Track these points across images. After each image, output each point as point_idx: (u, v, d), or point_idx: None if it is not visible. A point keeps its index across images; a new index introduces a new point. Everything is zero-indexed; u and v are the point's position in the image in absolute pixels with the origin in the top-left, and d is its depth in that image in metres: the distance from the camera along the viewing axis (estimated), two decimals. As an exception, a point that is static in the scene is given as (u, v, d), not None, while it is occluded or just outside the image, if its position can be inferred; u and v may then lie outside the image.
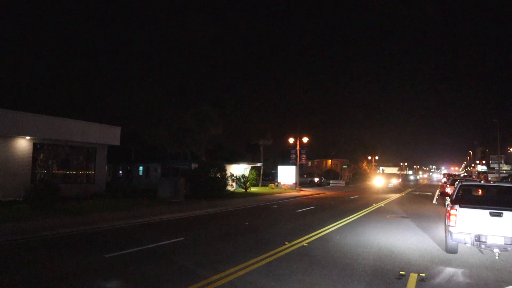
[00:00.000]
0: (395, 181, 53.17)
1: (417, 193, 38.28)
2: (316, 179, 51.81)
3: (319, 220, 15.52)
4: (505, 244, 8.32)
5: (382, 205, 22.88)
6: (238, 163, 37.35)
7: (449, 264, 8.57)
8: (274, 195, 30.83)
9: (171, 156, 43.46)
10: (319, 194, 34.26)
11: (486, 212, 8.62)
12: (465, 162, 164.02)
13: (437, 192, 38.72)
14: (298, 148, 36.79)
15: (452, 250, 9.37)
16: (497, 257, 8.83)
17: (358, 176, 72.35)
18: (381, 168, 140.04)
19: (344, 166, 66.16)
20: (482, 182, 12.37)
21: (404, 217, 16.85)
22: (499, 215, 8.45)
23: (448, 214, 9.26)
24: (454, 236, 8.91)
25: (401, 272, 7.66)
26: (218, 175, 28.62)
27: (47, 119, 21.41)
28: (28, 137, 20.55)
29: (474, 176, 74.92)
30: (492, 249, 8.65)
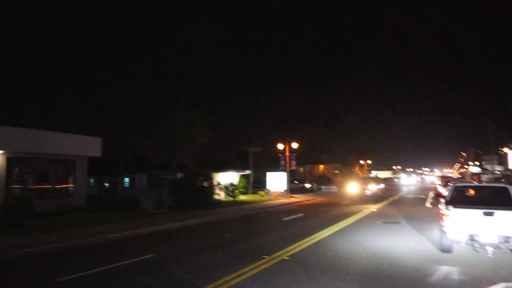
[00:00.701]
0: (374, 187, 44.66)
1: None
2: (308, 185, 51.00)
3: (306, 228, 14.72)
4: (498, 242, 8.61)
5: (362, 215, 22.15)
6: (226, 171, 36.45)
7: (444, 263, 8.75)
8: (263, 202, 29.99)
9: (158, 166, 42.54)
10: (309, 200, 33.46)
11: (479, 212, 8.87)
12: (458, 164, 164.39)
13: (430, 195, 38.10)
14: (287, 154, 36.01)
15: (446, 250, 9.63)
16: (490, 255, 8.99)
17: (351, 181, 71.62)
18: (374, 172, 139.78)
19: (335, 171, 65.27)
20: (475, 183, 12.11)
21: (396, 222, 16.11)
22: (491, 214, 8.73)
23: (442, 215, 9.60)
24: (449, 236, 9.16)
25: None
26: (205, 184, 27.82)
27: (22, 132, 20.44)
28: (1, 151, 19.59)
29: (467, 178, 74.57)
30: (485, 248, 8.93)
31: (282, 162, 36.49)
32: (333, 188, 53.50)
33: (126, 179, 37.63)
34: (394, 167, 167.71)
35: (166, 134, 29.83)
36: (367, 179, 54.46)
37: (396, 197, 35.28)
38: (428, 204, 26.15)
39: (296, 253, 9.98)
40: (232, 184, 32.98)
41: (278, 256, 9.55)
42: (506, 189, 10.14)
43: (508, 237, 8.52)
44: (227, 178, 36.02)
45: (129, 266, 9.08)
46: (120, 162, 57.02)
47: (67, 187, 23.17)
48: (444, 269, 8.31)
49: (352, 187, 47.18)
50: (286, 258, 9.40)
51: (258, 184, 47.83)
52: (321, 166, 72.78)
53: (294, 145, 35.83)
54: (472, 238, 8.85)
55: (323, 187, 53.08)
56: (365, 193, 42.85)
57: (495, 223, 8.69)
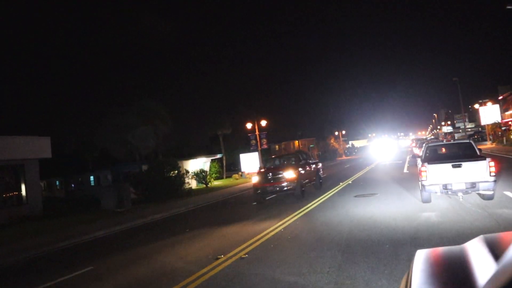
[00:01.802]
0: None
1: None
2: (284, 163, 49.80)
3: (282, 210, 13.36)
4: (466, 188, 10.12)
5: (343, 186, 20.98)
6: (196, 158, 34.79)
7: (424, 210, 10.32)
8: (236, 186, 28.58)
9: (125, 160, 40.54)
10: (285, 178, 32.19)
11: (449, 165, 10.33)
12: (430, 126, 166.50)
13: (407, 159, 37.44)
14: (257, 133, 34.50)
15: (426, 200, 11.15)
16: (461, 199, 11.05)
17: (327, 153, 70.94)
18: (350, 142, 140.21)
19: (310, 145, 64.16)
20: (444, 141, 14.74)
21: (373, 194, 14.90)
22: (460, 166, 10.21)
23: (420, 171, 10.93)
24: (427, 187, 10.61)
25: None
26: (171, 173, 26.20)
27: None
28: None
29: (441, 138, 75.00)
30: (457, 194, 10.63)
31: (253, 142, 35.00)
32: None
33: (92, 177, 35.61)
34: (369, 135, 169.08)
35: (126, 126, 27.87)
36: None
37: (372, 165, 34.39)
38: (405, 170, 25.21)
39: (257, 248, 8.55)
40: (202, 171, 31.42)
41: (235, 254, 8.06)
42: (470, 144, 12.13)
43: (474, 183, 10.01)
44: (197, 164, 34.43)
45: (60, 285, 7.51)
46: (88, 160, 54.52)
47: (18, 195, 21.15)
48: (425, 214, 9.75)
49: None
50: (244, 256, 7.88)
51: (235, 167, 46.41)
52: (296, 142, 71.69)
53: (263, 123, 34.29)
54: (445, 187, 10.33)
55: (299, 163, 51.94)
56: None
57: (462, 173, 10.17)
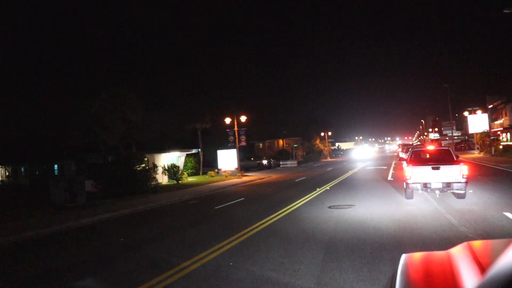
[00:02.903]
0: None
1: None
2: (265, 161, 47.68)
3: (234, 222, 11.29)
4: (442, 187, 12.02)
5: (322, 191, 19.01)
6: (169, 151, 32.49)
7: (407, 205, 12.05)
8: (208, 185, 26.45)
9: (91, 149, 37.91)
10: (263, 178, 30.16)
11: (429, 168, 12.22)
12: (418, 131, 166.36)
13: (393, 164, 35.76)
14: (236, 128, 32.32)
15: (409, 197, 12.99)
16: (437, 196, 12.97)
17: (311, 154, 69.06)
18: (337, 144, 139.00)
19: (295, 145, 61.99)
20: (428, 147, 16.45)
21: (351, 206, 12.91)
22: (438, 168, 12.08)
23: (405, 171, 12.75)
24: (410, 185, 12.42)
25: None
26: (137, 167, 23.99)
27: None
28: None
29: (427, 143, 73.90)
30: (434, 192, 12.38)
31: (231, 138, 32.82)
32: (293, 163, 50.52)
33: (56, 166, 33.15)
34: (356, 138, 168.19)
35: (90, 113, 25.46)
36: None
37: (356, 170, 32.57)
38: (390, 177, 23.36)
39: (194, 271, 6.47)
40: (174, 166, 29.17)
41: (167, 278, 6.00)
42: (449, 151, 13.99)
43: (449, 183, 11.88)
44: (171, 159, 32.18)
45: None
46: (64, 146, 51.82)
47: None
48: (406, 208, 11.51)
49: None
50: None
51: (213, 163, 44.23)
52: (281, 141, 69.59)
53: (243, 118, 32.12)
54: (425, 186, 12.21)
55: (281, 162, 49.87)
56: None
57: (440, 174, 12.03)
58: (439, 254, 2.11)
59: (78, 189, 19.12)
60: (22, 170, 40.99)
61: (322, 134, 75.19)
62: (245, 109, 33.94)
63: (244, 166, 43.17)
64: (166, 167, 28.90)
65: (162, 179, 29.81)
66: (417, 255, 2.17)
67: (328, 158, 74.91)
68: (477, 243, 2.13)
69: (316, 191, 17.71)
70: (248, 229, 9.84)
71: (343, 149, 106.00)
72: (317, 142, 74.89)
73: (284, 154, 61.37)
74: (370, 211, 11.41)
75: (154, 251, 8.38)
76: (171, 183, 29.32)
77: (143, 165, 24.53)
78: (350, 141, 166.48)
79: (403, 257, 2.11)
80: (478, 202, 11.67)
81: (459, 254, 1.95)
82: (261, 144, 76.44)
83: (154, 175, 24.73)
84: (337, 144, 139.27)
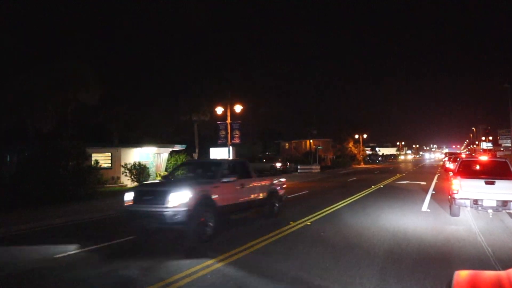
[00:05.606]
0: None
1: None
2: (278, 164, 39.99)
3: None
4: (497, 206, 10.38)
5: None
6: (142, 146, 25.62)
7: (452, 224, 10.38)
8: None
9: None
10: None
11: (481, 181, 10.71)
12: (467, 140, 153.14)
13: (435, 179, 27.43)
14: (228, 121, 24.95)
15: (455, 214, 11.34)
16: (490, 216, 10.98)
17: (342, 158, 60.64)
18: (377, 149, 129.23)
19: (318, 147, 53.67)
20: (481, 158, 14.35)
21: None
22: (493, 183, 10.53)
23: (451, 184, 11.27)
24: (457, 201, 10.87)
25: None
26: (70, 164, 17.50)
27: None
28: None
29: (477, 153, 63.89)
30: (487, 210, 10.72)
31: (223, 133, 25.51)
32: (315, 168, 42.49)
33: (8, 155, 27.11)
34: (398, 144, 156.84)
35: (14, 89, 18.91)
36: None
37: (385, 183, 24.54)
38: (425, 206, 15.37)
39: None
40: (139, 165, 22.30)
41: None
42: (506, 163, 11.86)
43: (506, 201, 10.22)
44: (145, 156, 25.37)
45: None
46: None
47: None
48: (452, 227, 9.88)
49: None
50: None
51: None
52: (308, 142, 61.45)
53: (238, 108, 24.69)
54: (475, 203, 10.57)
55: (299, 166, 41.87)
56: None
57: (495, 190, 10.44)
58: (498, 274, 2.02)
59: None
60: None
61: (357, 136, 66.41)
62: (243, 99, 26.42)
63: (256, 168, 35.92)
64: (129, 167, 22.10)
65: (124, 180, 23.13)
66: (473, 273, 2.08)
67: (362, 164, 66.15)
68: None
69: (304, 219, 10.12)
70: None
71: (380, 154, 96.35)
72: (350, 145, 66.39)
73: (311, 157, 53.31)
74: None
75: None
76: (133, 186, 22.53)
77: (81, 161, 17.92)
78: (392, 146, 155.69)
79: (457, 274, 2.04)
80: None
81: None
82: (287, 144, 68.92)
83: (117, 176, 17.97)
84: (377, 149, 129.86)
